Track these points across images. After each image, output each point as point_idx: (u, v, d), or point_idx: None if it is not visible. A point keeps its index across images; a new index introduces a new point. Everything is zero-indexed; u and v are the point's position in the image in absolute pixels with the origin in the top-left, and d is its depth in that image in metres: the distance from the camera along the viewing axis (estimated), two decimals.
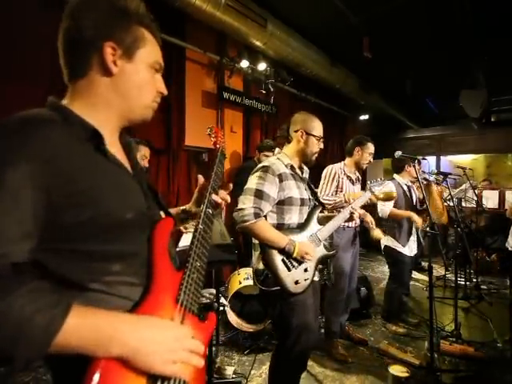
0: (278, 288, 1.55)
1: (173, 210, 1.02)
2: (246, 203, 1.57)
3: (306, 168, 1.85)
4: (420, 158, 3.15)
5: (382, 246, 3.10)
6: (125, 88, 0.70)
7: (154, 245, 0.70)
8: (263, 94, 4.35)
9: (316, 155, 1.80)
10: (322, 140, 1.78)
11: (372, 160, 2.71)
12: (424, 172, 3.32)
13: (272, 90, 4.31)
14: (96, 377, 0.54)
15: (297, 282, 1.58)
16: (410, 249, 3.00)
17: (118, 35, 0.67)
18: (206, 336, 0.78)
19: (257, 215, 1.54)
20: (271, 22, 3.75)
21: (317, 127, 1.77)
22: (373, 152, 2.69)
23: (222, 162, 1.01)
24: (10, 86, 2.26)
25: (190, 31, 3.51)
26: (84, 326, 0.54)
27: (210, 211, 0.88)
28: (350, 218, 1.90)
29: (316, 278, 1.76)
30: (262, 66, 4.07)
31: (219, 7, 3.16)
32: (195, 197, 1.01)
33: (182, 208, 1.03)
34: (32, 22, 2.38)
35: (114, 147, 0.72)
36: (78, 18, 0.66)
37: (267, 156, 3.71)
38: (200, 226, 0.82)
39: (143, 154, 2.23)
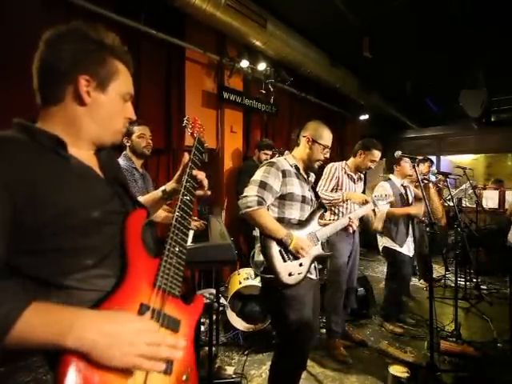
0: (272, 276, 1.61)
1: (153, 193, 1.06)
2: (250, 192, 1.65)
3: (312, 174, 1.92)
4: (420, 157, 3.15)
5: (380, 247, 3.09)
6: (97, 116, 0.75)
7: (127, 235, 0.73)
8: (263, 94, 4.35)
9: (319, 163, 1.85)
10: (327, 150, 1.83)
11: (373, 167, 2.67)
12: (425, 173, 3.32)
13: (272, 89, 4.31)
14: (69, 375, 0.56)
15: (290, 274, 1.62)
16: (408, 248, 2.99)
17: (93, 69, 0.72)
18: (191, 317, 0.81)
19: (259, 203, 1.61)
20: (271, 22, 3.75)
21: (325, 136, 1.82)
22: (376, 160, 2.64)
23: (199, 150, 1.00)
24: (9, 86, 2.26)
25: (189, 31, 3.51)
26: (41, 320, 0.57)
27: (188, 198, 0.90)
28: (346, 228, 2.00)
29: (313, 277, 1.79)
30: (261, 66, 4.07)
31: (219, 7, 3.16)
32: (178, 174, 1.03)
33: (161, 189, 1.05)
34: (32, 22, 2.38)
35: (88, 158, 0.77)
36: (56, 49, 0.70)
37: (267, 154, 3.70)
38: (177, 214, 0.85)
39: (140, 133, 2.27)
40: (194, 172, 0.94)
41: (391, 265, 3.10)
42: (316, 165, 1.84)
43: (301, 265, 1.67)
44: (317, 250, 1.76)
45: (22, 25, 2.34)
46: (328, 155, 1.85)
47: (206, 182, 0.98)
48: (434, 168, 4.25)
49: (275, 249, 1.63)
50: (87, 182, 0.73)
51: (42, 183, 0.63)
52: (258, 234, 1.71)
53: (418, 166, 3.97)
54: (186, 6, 3.04)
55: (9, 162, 0.61)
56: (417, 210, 2.90)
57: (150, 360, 0.63)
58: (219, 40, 3.90)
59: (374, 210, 2.74)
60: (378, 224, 2.83)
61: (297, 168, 1.79)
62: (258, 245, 1.72)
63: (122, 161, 2.16)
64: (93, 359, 0.58)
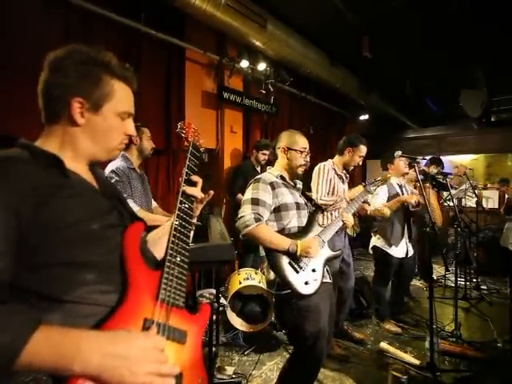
0: (289, 291, 1.57)
1: (162, 227, 1.00)
2: (245, 211, 1.63)
3: (298, 181, 1.90)
4: (420, 158, 3.15)
5: (371, 245, 3.10)
6: (92, 135, 0.78)
7: (125, 250, 0.74)
8: (263, 94, 4.35)
9: (302, 168, 1.85)
10: (305, 153, 1.83)
11: (361, 163, 2.65)
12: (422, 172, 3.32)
13: (272, 90, 4.31)
14: None
15: (306, 283, 1.60)
16: (402, 250, 2.97)
17: (87, 91, 0.75)
18: (198, 327, 0.81)
19: (257, 219, 1.60)
20: (271, 22, 3.75)
21: (298, 141, 1.82)
22: (364, 155, 2.62)
23: (195, 155, 0.99)
24: (9, 86, 2.26)
25: (189, 31, 3.51)
26: (48, 345, 0.57)
27: (187, 206, 0.89)
28: (343, 225, 1.95)
29: (328, 280, 1.78)
30: (261, 66, 4.07)
31: (219, 7, 3.16)
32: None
33: (168, 223, 1.03)
34: (33, 22, 2.38)
35: (85, 173, 0.79)
36: (53, 72, 0.74)
37: (265, 154, 3.67)
38: (175, 223, 0.84)
39: (148, 135, 2.30)
40: (192, 178, 0.93)
41: (378, 264, 3.12)
42: (299, 171, 1.84)
43: (314, 270, 1.65)
44: (326, 251, 1.75)
45: (21, 25, 2.34)
46: (308, 158, 1.85)
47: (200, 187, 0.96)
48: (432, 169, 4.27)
49: (284, 262, 1.61)
50: (86, 196, 0.75)
51: (44, 200, 0.64)
52: (265, 253, 1.68)
53: (428, 167, 4.00)
54: (186, 6, 3.04)
55: (12, 179, 0.63)
56: (408, 197, 2.87)
57: (160, 377, 0.63)
58: (219, 40, 3.90)
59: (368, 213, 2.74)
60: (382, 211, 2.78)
61: (282, 178, 1.79)
62: (265, 263, 1.69)
63: (119, 161, 2.12)
64: (102, 381, 0.58)
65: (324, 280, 1.71)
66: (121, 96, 0.79)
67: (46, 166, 0.69)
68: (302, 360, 1.66)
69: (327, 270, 1.80)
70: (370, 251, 3.15)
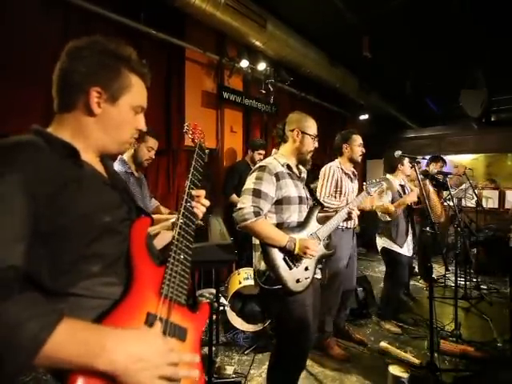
0: (280, 287, 1.55)
1: (161, 225, 1.05)
2: (245, 202, 1.56)
3: (303, 169, 1.85)
4: (420, 157, 3.15)
5: (379, 248, 3.08)
6: (106, 126, 0.77)
7: (132, 244, 0.74)
8: (263, 94, 4.35)
9: (311, 154, 1.81)
10: (316, 139, 1.80)
11: (364, 150, 2.65)
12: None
13: (272, 89, 4.31)
14: None
15: (298, 281, 1.58)
16: (407, 248, 2.98)
17: (106, 81, 0.75)
18: (198, 325, 0.81)
19: (257, 214, 1.54)
20: (271, 22, 3.75)
21: (311, 126, 1.78)
22: (361, 142, 2.62)
23: (201, 156, 1.01)
24: (9, 86, 2.26)
25: (189, 31, 3.51)
26: (73, 339, 0.56)
27: (192, 205, 0.91)
28: (349, 218, 1.92)
29: (318, 276, 1.77)
30: (261, 66, 4.07)
31: (219, 7, 3.17)
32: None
33: (171, 221, 1.06)
34: (32, 22, 2.38)
35: (96, 165, 0.80)
36: (73, 60, 0.74)
37: (260, 154, 3.62)
38: (180, 221, 0.85)
39: (149, 145, 2.19)
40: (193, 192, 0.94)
41: (389, 265, 3.10)
42: (309, 156, 1.79)
43: (306, 269, 1.63)
44: (320, 250, 1.72)
45: (20, 25, 2.33)
46: (317, 144, 1.81)
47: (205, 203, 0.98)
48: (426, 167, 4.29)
49: (279, 257, 1.57)
50: (99, 188, 0.76)
51: (59, 189, 0.64)
52: (258, 242, 1.65)
53: (428, 165, 4.02)
54: (186, 5, 3.04)
55: (30, 165, 0.62)
56: (409, 196, 2.88)
57: (173, 381, 0.64)
58: (219, 40, 3.90)
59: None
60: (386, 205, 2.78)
61: (289, 167, 1.71)
62: (258, 253, 1.65)
63: (117, 165, 2.10)
64: (121, 382, 0.58)
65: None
66: (137, 90, 0.80)
67: (61, 154, 0.69)
68: (285, 351, 1.65)
69: (317, 267, 1.77)
70: (380, 254, 3.12)
